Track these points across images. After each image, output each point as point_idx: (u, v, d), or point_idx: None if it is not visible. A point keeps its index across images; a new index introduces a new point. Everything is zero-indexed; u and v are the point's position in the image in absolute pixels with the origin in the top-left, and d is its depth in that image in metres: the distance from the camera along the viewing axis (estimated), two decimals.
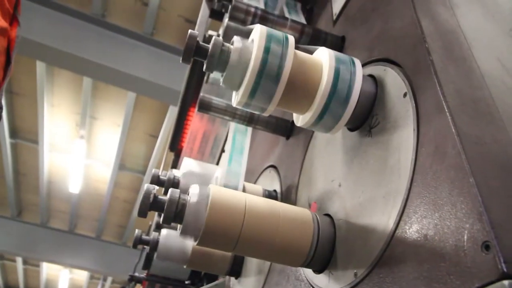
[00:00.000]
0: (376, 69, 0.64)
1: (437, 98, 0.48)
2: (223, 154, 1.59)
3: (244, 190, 0.89)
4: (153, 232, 1.09)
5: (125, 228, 8.26)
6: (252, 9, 0.82)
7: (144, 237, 1.10)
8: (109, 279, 9.79)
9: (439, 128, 0.47)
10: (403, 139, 0.52)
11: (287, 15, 0.92)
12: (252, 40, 0.60)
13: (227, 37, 1.10)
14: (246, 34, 0.93)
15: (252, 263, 0.96)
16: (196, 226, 0.56)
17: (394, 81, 0.58)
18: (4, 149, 6.29)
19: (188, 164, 1.42)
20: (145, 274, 1.79)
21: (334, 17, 0.86)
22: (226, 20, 1.04)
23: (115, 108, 5.61)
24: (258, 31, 0.58)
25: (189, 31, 0.61)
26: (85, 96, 5.36)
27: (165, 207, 0.57)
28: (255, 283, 0.90)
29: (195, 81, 1.98)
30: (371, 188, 0.56)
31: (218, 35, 1.42)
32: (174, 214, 0.57)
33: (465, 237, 0.39)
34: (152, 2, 4.42)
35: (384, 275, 0.49)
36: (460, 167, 0.42)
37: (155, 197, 0.59)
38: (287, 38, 0.58)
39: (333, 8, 0.88)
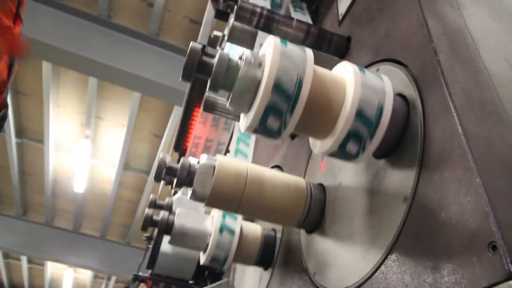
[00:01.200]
0: (381, 69, 0.64)
1: (444, 98, 0.47)
2: (228, 155, 1.59)
3: None
4: (168, 199, 1.08)
5: (129, 228, 8.28)
6: (258, 9, 0.82)
7: (155, 217, 1.02)
8: (113, 278, 9.81)
9: (445, 128, 0.46)
10: (409, 138, 0.52)
11: (293, 15, 0.92)
12: (264, 55, 0.51)
13: (233, 37, 1.11)
14: (252, 36, 0.93)
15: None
16: (204, 190, 0.60)
17: (400, 81, 0.58)
18: (10, 148, 6.34)
19: None
20: (149, 273, 1.80)
21: (340, 17, 0.86)
22: (231, 20, 1.05)
23: (120, 108, 5.64)
24: (272, 44, 0.48)
25: (191, 43, 0.53)
26: (91, 96, 5.39)
27: (177, 173, 0.63)
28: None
29: (200, 81, 1.98)
30: (376, 187, 0.56)
31: (224, 36, 1.42)
32: (185, 179, 0.62)
33: (472, 237, 0.39)
34: (158, 3, 4.43)
35: (389, 276, 0.48)
36: (466, 167, 0.42)
37: (203, 56, 0.53)
38: (305, 52, 0.49)
39: (338, 8, 0.87)
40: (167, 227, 0.85)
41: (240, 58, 0.52)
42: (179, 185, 0.61)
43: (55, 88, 5.41)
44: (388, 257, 0.49)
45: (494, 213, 0.37)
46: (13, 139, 6.24)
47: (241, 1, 0.81)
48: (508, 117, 0.46)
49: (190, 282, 1.64)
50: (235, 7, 0.81)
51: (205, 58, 0.52)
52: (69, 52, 4.30)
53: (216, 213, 0.88)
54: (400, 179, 0.52)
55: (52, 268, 9.97)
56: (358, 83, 0.48)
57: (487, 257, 0.36)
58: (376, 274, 0.51)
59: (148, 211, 0.95)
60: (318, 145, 0.53)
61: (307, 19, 0.93)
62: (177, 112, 5.11)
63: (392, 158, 0.55)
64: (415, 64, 0.56)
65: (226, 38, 1.12)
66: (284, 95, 0.46)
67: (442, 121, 0.47)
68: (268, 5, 0.94)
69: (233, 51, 1.36)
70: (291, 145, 0.97)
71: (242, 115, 0.52)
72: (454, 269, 0.40)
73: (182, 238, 0.84)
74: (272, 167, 1.04)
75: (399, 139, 0.51)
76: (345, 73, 0.52)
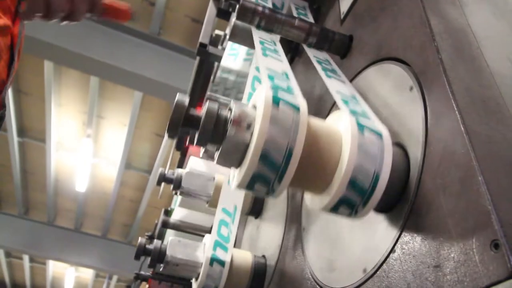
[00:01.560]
0: (383, 68, 0.64)
1: (446, 97, 0.47)
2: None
3: None
4: (177, 169, 1.15)
5: (131, 227, 8.30)
6: (260, 8, 0.82)
7: (168, 175, 1.14)
8: (115, 277, 9.84)
9: (448, 126, 0.46)
10: (411, 137, 0.52)
11: (294, 14, 0.92)
12: (255, 106, 0.48)
13: (235, 36, 1.11)
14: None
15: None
16: (240, 147, 0.45)
17: (402, 80, 0.58)
18: (12, 148, 6.35)
19: (194, 164, 1.43)
20: (150, 272, 1.80)
21: (342, 16, 0.86)
22: (233, 19, 1.05)
23: (122, 107, 5.64)
24: (263, 105, 0.44)
25: (177, 96, 0.49)
26: (92, 96, 5.40)
27: (202, 120, 0.47)
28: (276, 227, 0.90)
29: (202, 80, 1.98)
30: None
31: (225, 35, 1.42)
32: (212, 131, 0.47)
33: (474, 235, 0.39)
34: (159, 2, 4.43)
35: (390, 275, 0.48)
36: (469, 165, 0.42)
37: (189, 110, 0.48)
38: (298, 113, 0.45)
39: (340, 7, 0.87)
40: (159, 257, 0.88)
41: (230, 109, 0.48)
42: (203, 142, 0.47)
43: (57, 87, 5.42)
44: (391, 255, 0.49)
45: (496, 212, 0.37)
46: (15, 138, 6.26)
47: (243, 0, 0.81)
48: (510, 115, 0.46)
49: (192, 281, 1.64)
50: (237, 6, 0.81)
51: (192, 114, 0.48)
52: (70, 51, 4.30)
53: (208, 241, 0.90)
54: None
55: (54, 267, 9.99)
56: (354, 152, 0.44)
57: (489, 255, 0.36)
58: (378, 272, 0.51)
59: (141, 240, 0.98)
60: (309, 199, 0.51)
61: (309, 17, 0.93)
62: None
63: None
64: (417, 62, 0.56)
65: (227, 37, 1.12)
66: (271, 166, 0.43)
67: (445, 119, 0.47)
68: (269, 4, 0.94)
69: (233, 51, 1.36)
70: None
71: (232, 170, 0.49)
72: (457, 267, 0.40)
73: (174, 268, 0.88)
74: None
75: (398, 197, 0.50)
76: (342, 128, 0.48)
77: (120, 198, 7.49)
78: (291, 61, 1.12)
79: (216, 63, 1.77)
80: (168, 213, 1.83)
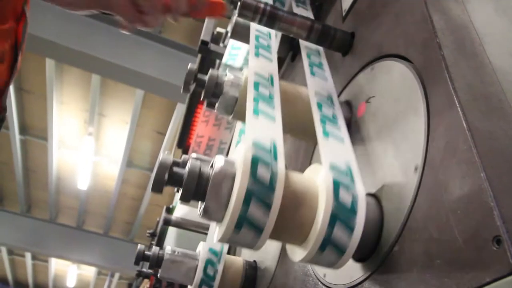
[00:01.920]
0: (385, 65, 0.64)
1: (448, 93, 0.47)
2: (231, 149, 1.59)
3: None
4: (154, 247, 1.07)
5: (133, 224, 8.32)
6: (261, 6, 0.82)
7: (147, 253, 1.06)
8: (117, 275, 9.87)
9: (450, 123, 0.46)
10: (413, 134, 0.52)
11: (296, 11, 0.92)
12: (233, 165, 0.49)
13: (236, 34, 1.11)
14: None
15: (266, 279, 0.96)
16: (221, 204, 0.47)
17: (404, 76, 0.58)
18: (14, 145, 6.37)
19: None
20: (152, 269, 1.80)
21: (344, 13, 0.85)
22: (234, 17, 1.05)
23: (123, 105, 5.65)
24: (242, 158, 0.46)
25: (161, 156, 0.51)
26: (94, 94, 5.41)
27: (184, 179, 0.49)
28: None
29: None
30: (381, 183, 0.56)
31: (227, 32, 1.42)
32: (195, 189, 0.49)
33: (476, 231, 0.39)
34: None
35: (392, 270, 0.49)
36: (471, 162, 0.42)
37: (172, 169, 0.51)
38: (276, 177, 0.46)
39: (342, 4, 0.87)
40: (157, 262, 0.95)
41: (211, 165, 0.50)
42: (186, 198, 0.50)
43: (59, 85, 5.42)
44: (393, 250, 0.49)
45: (498, 208, 0.37)
46: (17, 136, 6.27)
47: None
48: None
49: None
50: (238, 3, 0.81)
51: (175, 170, 0.50)
52: (72, 50, 4.31)
53: (202, 248, 0.93)
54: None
55: (56, 265, 10.03)
56: (326, 221, 0.45)
57: (491, 251, 0.37)
58: (380, 268, 0.51)
59: (140, 247, 1.04)
60: (290, 250, 0.54)
61: (310, 15, 0.93)
62: (180, 110, 5.12)
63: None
64: (419, 59, 0.55)
65: (229, 34, 1.12)
66: (251, 225, 0.46)
67: (447, 115, 0.47)
68: (271, 1, 0.94)
69: (235, 51, 1.36)
70: (295, 141, 0.97)
71: (215, 224, 0.51)
72: (458, 264, 0.40)
73: (170, 271, 0.94)
74: None
75: (375, 244, 0.53)
76: (319, 186, 0.51)
77: (122, 196, 7.51)
78: (292, 59, 1.12)
79: (217, 61, 1.77)
80: (169, 210, 1.83)
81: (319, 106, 0.62)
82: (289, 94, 0.74)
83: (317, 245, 0.46)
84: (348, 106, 0.70)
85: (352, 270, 0.56)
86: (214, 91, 0.72)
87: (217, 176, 0.47)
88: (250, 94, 0.61)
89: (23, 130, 6.37)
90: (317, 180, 0.52)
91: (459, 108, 0.45)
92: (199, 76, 0.71)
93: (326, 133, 0.56)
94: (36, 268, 10.38)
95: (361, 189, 0.48)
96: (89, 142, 6.18)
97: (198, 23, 4.52)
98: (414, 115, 0.53)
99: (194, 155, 0.88)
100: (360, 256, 0.54)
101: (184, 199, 0.49)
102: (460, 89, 0.47)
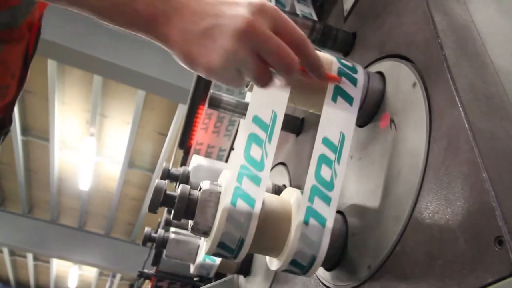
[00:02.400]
0: (387, 65, 0.63)
1: (450, 93, 0.47)
2: (232, 152, 1.59)
3: None
4: (160, 230, 1.16)
5: (134, 225, 8.32)
6: None
7: (153, 234, 1.17)
8: (118, 276, 9.87)
9: (451, 123, 0.46)
10: (415, 134, 0.52)
11: (298, 11, 0.92)
12: (219, 186, 0.58)
13: None
14: None
15: (261, 261, 0.96)
16: (206, 223, 0.56)
17: (406, 76, 0.58)
18: (15, 146, 6.38)
19: (197, 161, 1.43)
20: (154, 270, 1.80)
21: (345, 14, 0.85)
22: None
23: (125, 106, 5.65)
24: (222, 206, 0.54)
25: (156, 182, 0.60)
26: (95, 94, 5.41)
27: (176, 202, 0.57)
28: (264, 281, 0.90)
29: (205, 79, 1.98)
30: (382, 185, 0.56)
31: None
32: (185, 210, 0.57)
33: (478, 232, 0.39)
34: None
35: (394, 271, 0.48)
36: (473, 162, 0.42)
37: (166, 192, 0.60)
38: (252, 210, 0.54)
39: (344, 4, 0.87)
40: (163, 243, 1.09)
41: (199, 189, 0.58)
42: (177, 218, 0.58)
43: (60, 86, 5.43)
44: (395, 250, 0.49)
45: (500, 208, 0.37)
46: (19, 137, 6.28)
47: None
48: None
49: (195, 279, 1.64)
50: None
51: (169, 193, 0.59)
52: (74, 50, 4.31)
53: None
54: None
55: (58, 266, 10.03)
56: (295, 242, 0.54)
57: (493, 251, 0.36)
58: (382, 268, 0.51)
59: (147, 229, 1.18)
60: (268, 260, 0.62)
61: (313, 15, 0.93)
62: (182, 110, 5.12)
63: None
64: (421, 59, 0.55)
65: None
66: (227, 249, 0.55)
67: (448, 116, 0.47)
68: (273, 2, 0.94)
69: None
70: (296, 142, 0.97)
71: (202, 239, 0.62)
72: (460, 264, 0.39)
73: (174, 253, 1.08)
74: (277, 164, 1.04)
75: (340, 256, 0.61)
76: (292, 208, 0.58)
77: (124, 196, 7.51)
78: None
79: None
80: (171, 212, 1.83)
81: (318, 166, 0.57)
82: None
83: (289, 258, 0.54)
84: (381, 78, 0.64)
85: (354, 270, 0.56)
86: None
87: (203, 204, 0.56)
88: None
89: (24, 130, 6.38)
90: (291, 201, 0.59)
91: (460, 108, 0.45)
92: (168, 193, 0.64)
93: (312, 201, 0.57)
94: (38, 269, 10.39)
95: (330, 219, 0.55)
96: (90, 143, 6.19)
97: None
98: (416, 115, 0.53)
99: (214, 93, 0.90)
100: (328, 267, 0.62)
101: (176, 218, 0.57)
102: (462, 89, 0.47)
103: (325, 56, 0.62)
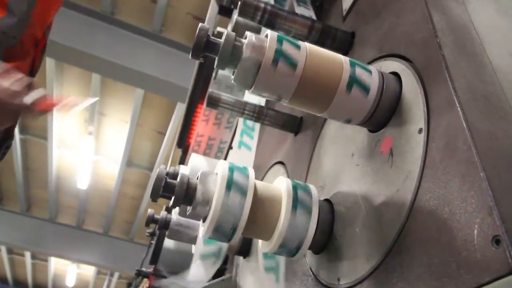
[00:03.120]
0: (385, 65, 0.63)
1: (448, 93, 0.47)
2: (231, 151, 1.59)
3: None
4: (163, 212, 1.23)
5: (132, 224, 8.31)
6: (262, 5, 0.82)
7: (156, 216, 1.23)
8: (116, 274, 9.86)
9: (450, 123, 0.46)
10: (413, 134, 0.52)
11: (296, 10, 0.92)
12: (216, 174, 0.61)
13: (236, 33, 1.10)
14: (255, 31, 0.93)
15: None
16: (204, 208, 0.59)
17: (404, 75, 0.58)
18: (14, 145, 6.35)
19: (195, 161, 1.43)
20: (152, 269, 1.81)
21: (344, 13, 0.85)
22: (235, 16, 1.04)
23: (123, 104, 5.65)
24: (216, 196, 0.58)
25: (199, 25, 0.60)
26: (94, 93, 5.40)
27: (176, 189, 0.60)
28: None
29: (203, 78, 1.98)
30: (380, 184, 0.56)
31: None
32: (184, 195, 0.60)
33: (475, 231, 0.39)
34: (161, 0, 4.43)
35: (392, 270, 0.49)
36: (471, 161, 0.42)
37: (167, 180, 0.62)
38: (244, 200, 0.58)
39: (343, 3, 0.87)
40: (165, 224, 1.14)
41: (244, 37, 0.60)
42: (177, 204, 0.61)
43: (59, 84, 5.42)
44: (392, 249, 0.49)
45: (498, 207, 0.37)
46: (17, 136, 6.27)
47: None
48: None
49: None
50: (239, 2, 0.81)
51: (213, 38, 0.59)
52: (72, 49, 4.31)
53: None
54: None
55: (56, 264, 10.02)
56: (284, 229, 0.58)
57: (490, 251, 0.37)
58: (379, 267, 0.51)
59: (150, 211, 1.21)
60: (260, 242, 0.66)
61: (312, 14, 0.93)
62: (180, 109, 5.12)
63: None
64: (419, 59, 0.55)
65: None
66: (222, 233, 0.59)
67: (446, 115, 0.47)
68: (272, 1, 0.93)
69: None
70: (295, 141, 0.97)
71: (201, 223, 0.62)
72: (457, 264, 0.40)
73: (176, 233, 1.14)
74: (275, 164, 1.04)
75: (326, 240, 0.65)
76: (283, 195, 0.62)
77: (122, 195, 7.51)
78: None
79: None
80: (169, 210, 1.83)
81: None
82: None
83: (278, 242, 0.58)
84: (397, 79, 0.60)
85: (351, 269, 0.56)
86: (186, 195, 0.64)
87: (200, 195, 0.59)
88: None
89: (23, 129, 6.37)
90: (282, 190, 0.62)
91: (459, 108, 0.45)
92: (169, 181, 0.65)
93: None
94: (36, 267, 10.38)
95: (315, 209, 0.59)
96: (89, 142, 6.18)
97: (198, 22, 4.53)
98: (414, 114, 0.53)
99: (212, 93, 0.92)
100: (316, 250, 0.66)
101: (175, 205, 0.60)
102: (460, 88, 0.47)
103: (337, 57, 0.60)
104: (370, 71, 0.58)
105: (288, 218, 0.58)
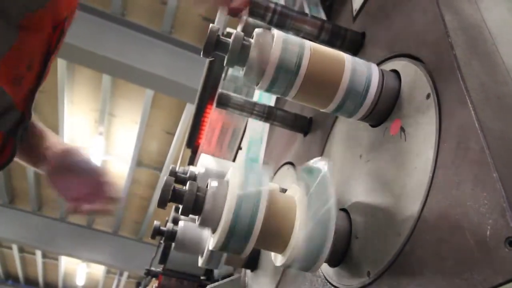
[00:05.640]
0: (396, 65, 0.63)
1: (460, 93, 0.47)
2: (240, 152, 1.60)
3: None
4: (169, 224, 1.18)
5: (142, 224, 8.37)
6: (272, 5, 0.82)
7: (162, 228, 1.18)
8: (125, 274, 9.93)
9: (462, 123, 0.46)
10: (425, 134, 0.52)
11: (306, 10, 0.91)
12: (226, 186, 0.58)
13: (246, 34, 1.11)
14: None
15: (268, 257, 0.96)
16: (214, 219, 0.56)
17: (415, 75, 0.57)
18: None
19: (205, 161, 1.43)
20: (161, 268, 1.81)
21: (354, 13, 0.85)
22: (245, 17, 1.05)
23: (133, 105, 5.69)
24: (230, 196, 0.54)
25: (210, 25, 0.62)
26: (104, 94, 5.45)
27: (184, 198, 0.58)
28: (271, 277, 0.90)
29: (213, 78, 1.99)
30: (391, 185, 0.56)
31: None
32: (193, 205, 0.58)
33: (488, 233, 0.38)
34: (171, 1, 4.46)
35: (403, 271, 0.48)
36: (483, 162, 0.41)
37: (174, 188, 0.60)
38: (259, 198, 0.55)
39: (353, 4, 0.87)
40: (171, 236, 1.09)
41: (252, 36, 0.61)
42: (185, 213, 0.58)
43: (70, 85, 5.48)
44: (404, 250, 0.49)
45: (511, 209, 0.37)
46: None
47: None
48: None
49: (202, 277, 1.65)
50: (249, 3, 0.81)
51: (222, 38, 0.61)
52: (83, 50, 4.35)
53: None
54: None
55: (66, 263, 10.12)
56: (301, 236, 0.54)
57: (503, 253, 0.36)
58: (391, 267, 0.51)
59: (156, 223, 1.17)
60: (273, 255, 0.62)
61: (322, 14, 0.92)
62: (189, 110, 5.14)
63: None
64: (431, 59, 0.55)
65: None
66: (235, 242, 0.55)
67: (459, 116, 0.47)
68: (281, 1, 0.93)
69: None
70: (304, 142, 0.97)
71: (210, 234, 0.60)
72: (469, 265, 0.39)
73: (183, 245, 1.08)
74: (284, 164, 1.04)
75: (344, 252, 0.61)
76: (297, 206, 0.58)
77: (131, 195, 7.56)
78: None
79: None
80: (178, 210, 1.84)
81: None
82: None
83: (293, 255, 0.54)
84: (397, 76, 0.63)
85: (361, 270, 0.56)
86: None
87: (210, 202, 0.56)
88: None
89: None
90: (296, 198, 0.59)
91: (471, 108, 0.45)
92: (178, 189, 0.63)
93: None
94: (46, 266, 10.49)
95: (333, 218, 0.54)
96: (99, 142, 6.24)
97: (208, 23, 4.54)
98: (425, 115, 0.53)
99: (222, 93, 0.91)
100: (333, 263, 0.62)
101: (184, 214, 0.58)
102: (473, 89, 0.47)
103: (337, 53, 0.62)
104: (370, 69, 0.61)
105: (303, 228, 0.54)
